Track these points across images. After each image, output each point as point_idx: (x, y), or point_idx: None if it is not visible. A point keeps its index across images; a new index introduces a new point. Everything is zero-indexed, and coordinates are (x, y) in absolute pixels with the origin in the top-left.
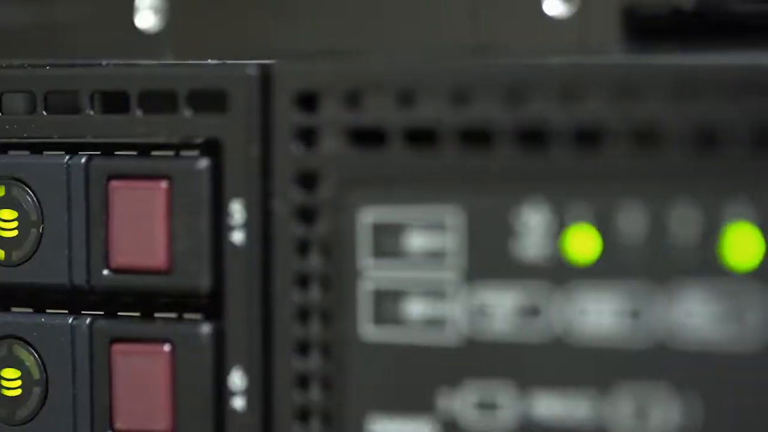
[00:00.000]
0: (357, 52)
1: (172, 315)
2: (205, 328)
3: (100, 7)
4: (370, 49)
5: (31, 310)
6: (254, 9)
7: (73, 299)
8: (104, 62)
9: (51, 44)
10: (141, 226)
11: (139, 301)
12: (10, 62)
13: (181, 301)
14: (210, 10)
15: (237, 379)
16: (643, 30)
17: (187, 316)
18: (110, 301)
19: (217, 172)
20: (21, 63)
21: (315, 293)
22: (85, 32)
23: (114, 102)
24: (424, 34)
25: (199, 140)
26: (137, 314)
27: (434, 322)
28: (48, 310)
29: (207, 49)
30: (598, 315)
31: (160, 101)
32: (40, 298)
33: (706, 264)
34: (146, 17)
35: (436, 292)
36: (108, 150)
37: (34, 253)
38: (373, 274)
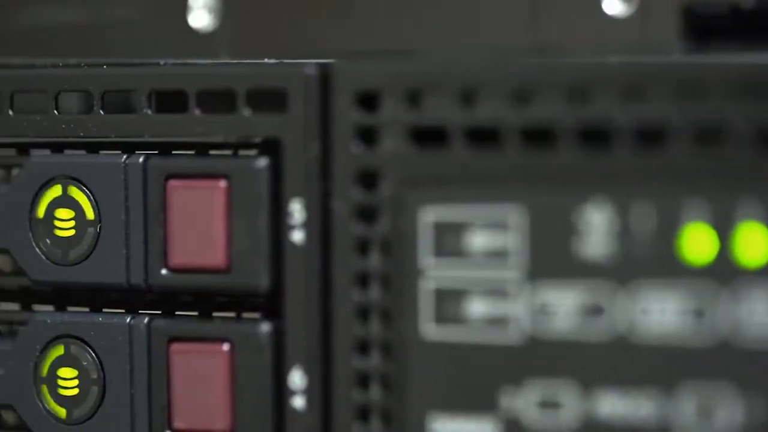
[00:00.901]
0: (414, 51)
1: (230, 314)
2: (265, 327)
3: (154, 6)
4: (428, 49)
5: (87, 309)
6: (308, 9)
7: (130, 299)
8: (162, 62)
9: (104, 43)
10: (199, 226)
11: (195, 300)
12: (66, 61)
13: (239, 301)
14: (264, 10)
15: (297, 379)
16: (702, 29)
17: (245, 315)
18: (167, 300)
19: (275, 172)
20: (78, 62)
21: (375, 292)
22: (138, 31)
23: (165, 101)
24: (483, 34)
25: (257, 139)
26: (195, 313)
27: (496, 321)
28: (104, 310)
29: (261, 48)
30: (661, 314)
31: (214, 100)
32: (95, 297)
33: None
34: (200, 16)
35: (498, 291)
36: (164, 149)
37: (91, 252)
38: (435, 273)
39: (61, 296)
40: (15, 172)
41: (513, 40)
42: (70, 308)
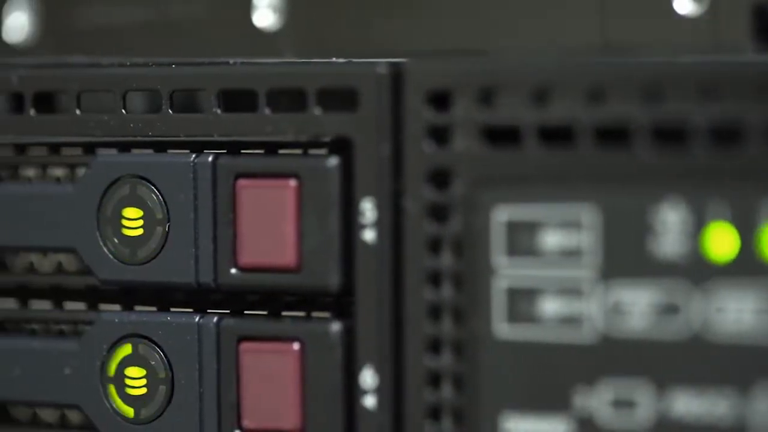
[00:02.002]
0: (482, 51)
1: (299, 314)
2: (335, 327)
3: (218, 5)
4: (495, 49)
5: (153, 308)
6: (372, 8)
7: (196, 298)
8: (231, 61)
9: (166, 43)
10: (269, 225)
11: (263, 299)
12: (133, 61)
13: (308, 300)
14: (328, 9)
15: (368, 378)
16: None
17: (313, 314)
18: (234, 299)
19: (346, 171)
20: (145, 61)
21: (447, 291)
22: (201, 30)
23: (230, 101)
24: (552, 34)
25: (327, 138)
26: (263, 313)
27: (570, 320)
28: (170, 309)
29: (325, 47)
30: (737, 313)
31: (278, 100)
32: (161, 296)
33: None
34: (265, 15)
35: (571, 290)
36: (232, 149)
37: (160, 251)
38: (507, 272)
39: (127, 295)
40: (79, 171)
41: (582, 39)
42: (137, 307)
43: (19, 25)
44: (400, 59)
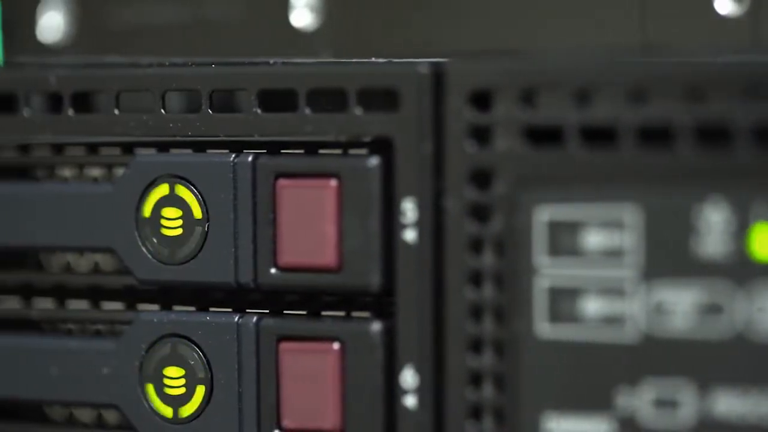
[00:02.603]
0: (522, 51)
1: (338, 313)
2: (376, 326)
3: (254, 5)
4: (536, 48)
5: (191, 308)
6: (409, 8)
7: (235, 298)
8: (272, 61)
9: (203, 42)
10: (310, 225)
11: (302, 299)
12: (172, 61)
13: (347, 300)
14: (366, 9)
15: (408, 377)
16: None
17: (353, 314)
18: (273, 299)
19: (386, 170)
20: (185, 61)
21: (488, 291)
22: (238, 30)
23: (267, 101)
24: (592, 34)
25: (368, 138)
26: (303, 312)
27: (612, 320)
28: (209, 309)
29: (362, 47)
30: None
31: (317, 99)
32: (201, 296)
33: None
34: (302, 15)
35: (613, 290)
36: (272, 148)
37: (199, 251)
38: (549, 271)
39: (165, 295)
40: (117, 171)
41: (622, 39)
42: (175, 307)
43: (54, 25)
44: (441, 59)
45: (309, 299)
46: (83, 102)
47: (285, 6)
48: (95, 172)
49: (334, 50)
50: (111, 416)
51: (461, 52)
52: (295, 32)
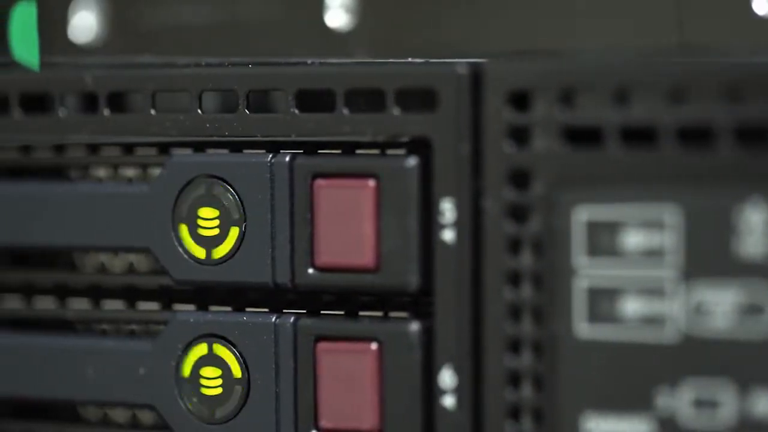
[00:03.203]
0: (558, 51)
1: (375, 313)
2: (414, 326)
3: (289, 5)
4: (573, 49)
5: (227, 308)
6: (445, 8)
7: (271, 298)
8: (309, 61)
9: (237, 43)
10: (347, 225)
11: (338, 299)
12: (209, 61)
13: (385, 300)
14: (401, 10)
15: (447, 378)
16: None
17: (390, 314)
18: (309, 299)
19: (424, 171)
20: (221, 62)
21: (527, 291)
22: (272, 30)
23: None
24: (630, 34)
25: (405, 139)
26: (340, 312)
27: (652, 320)
28: (245, 309)
29: (399, 48)
30: None
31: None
32: (237, 296)
33: None
34: (337, 16)
35: (653, 290)
36: (308, 149)
37: (236, 251)
38: (588, 272)
39: (200, 295)
40: (152, 171)
41: (659, 40)
42: (212, 307)
43: (86, 25)
44: (478, 59)
45: (345, 299)
46: (116, 102)
47: (320, 6)
48: (129, 172)
49: (369, 51)
50: (146, 416)
51: (496, 52)
52: (330, 33)
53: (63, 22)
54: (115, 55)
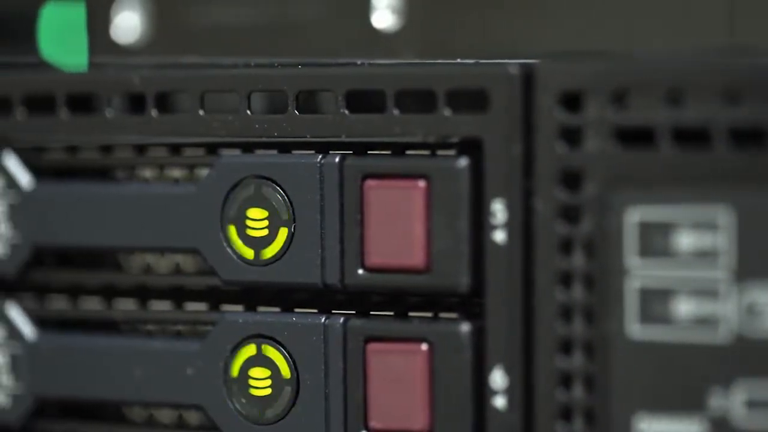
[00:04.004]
0: (608, 52)
1: (426, 314)
2: (465, 327)
3: (335, 6)
4: (624, 49)
5: (275, 309)
6: (492, 9)
7: (319, 298)
8: (359, 62)
9: (280, 43)
10: (398, 226)
11: (387, 300)
12: (258, 61)
13: (434, 301)
14: (448, 11)
15: (498, 378)
16: None
17: (440, 315)
18: (357, 300)
19: (475, 171)
20: (270, 62)
21: (578, 292)
22: (318, 32)
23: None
24: (680, 35)
25: (456, 139)
26: (390, 313)
27: (704, 321)
28: (292, 309)
29: (447, 49)
30: None
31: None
32: (284, 297)
33: None
34: (384, 17)
35: (706, 291)
36: (358, 149)
37: (285, 252)
38: (640, 272)
39: (247, 296)
40: (199, 172)
41: (710, 40)
42: (260, 308)
43: (129, 25)
44: (529, 60)
45: (392, 300)
46: (162, 102)
47: (366, 7)
48: (176, 172)
49: (416, 52)
50: (192, 417)
51: (543, 53)
52: (377, 34)
53: (105, 22)
54: (159, 55)
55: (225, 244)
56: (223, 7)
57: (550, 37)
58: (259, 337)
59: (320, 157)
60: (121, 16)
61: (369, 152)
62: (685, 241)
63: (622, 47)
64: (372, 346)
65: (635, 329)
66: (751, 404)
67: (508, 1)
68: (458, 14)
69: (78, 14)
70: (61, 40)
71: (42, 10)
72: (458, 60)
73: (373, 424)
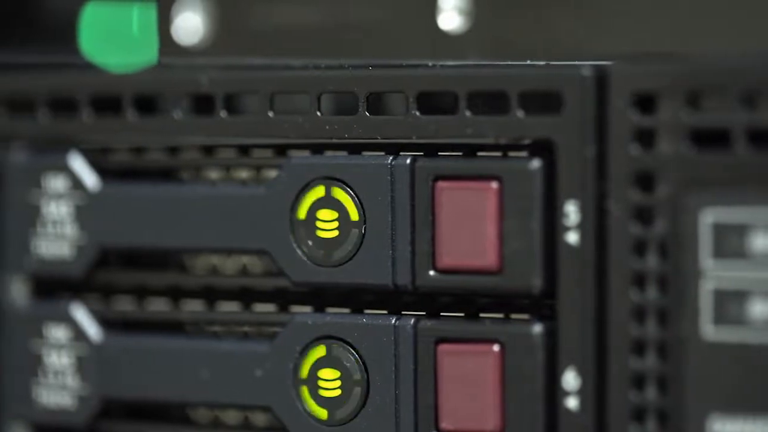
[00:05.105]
0: (683, 53)
1: (497, 315)
2: (537, 328)
3: (402, 8)
4: (700, 51)
5: (345, 310)
6: (560, 10)
7: (388, 299)
8: (430, 63)
9: (345, 45)
10: (470, 227)
11: (457, 301)
12: (327, 63)
13: (505, 302)
14: (516, 12)
15: (570, 379)
16: None
17: (513, 316)
18: (425, 301)
19: (548, 173)
20: (340, 64)
21: (652, 293)
22: (384, 33)
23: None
24: (758, 36)
25: (527, 141)
26: (460, 314)
27: None
28: (361, 311)
29: (514, 51)
30: None
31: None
32: (353, 298)
33: None
34: (450, 18)
35: None
36: (427, 151)
37: (356, 253)
38: (714, 274)
39: (317, 297)
40: (267, 173)
41: None
42: (329, 309)
43: (191, 26)
44: (600, 61)
45: (463, 301)
46: (229, 104)
47: (433, 9)
48: (242, 174)
49: (482, 53)
50: (258, 418)
51: (613, 54)
52: (443, 35)
53: (166, 23)
54: (221, 56)
55: (295, 246)
56: (286, 8)
57: (617, 37)
58: (329, 339)
59: (391, 158)
60: (182, 17)
61: (439, 153)
62: (760, 242)
63: (694, 48)
64: (443, 347)
65: (709, 330)
66: None
67: (575, 1)
68: (525, 16)
69: (125, 14)
70: (104, 40)
71: (83, 10)
72: (528, 61)
73: (444, 425)
